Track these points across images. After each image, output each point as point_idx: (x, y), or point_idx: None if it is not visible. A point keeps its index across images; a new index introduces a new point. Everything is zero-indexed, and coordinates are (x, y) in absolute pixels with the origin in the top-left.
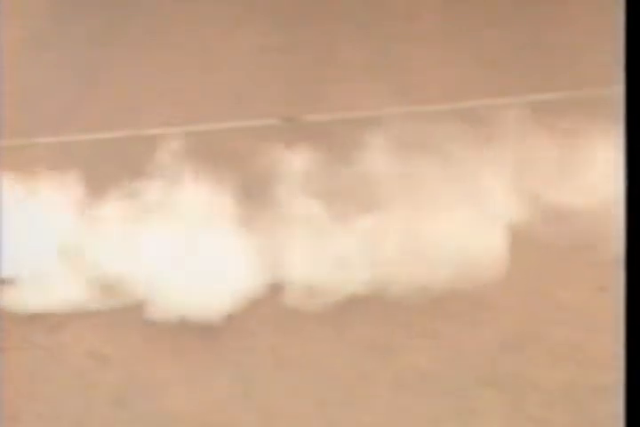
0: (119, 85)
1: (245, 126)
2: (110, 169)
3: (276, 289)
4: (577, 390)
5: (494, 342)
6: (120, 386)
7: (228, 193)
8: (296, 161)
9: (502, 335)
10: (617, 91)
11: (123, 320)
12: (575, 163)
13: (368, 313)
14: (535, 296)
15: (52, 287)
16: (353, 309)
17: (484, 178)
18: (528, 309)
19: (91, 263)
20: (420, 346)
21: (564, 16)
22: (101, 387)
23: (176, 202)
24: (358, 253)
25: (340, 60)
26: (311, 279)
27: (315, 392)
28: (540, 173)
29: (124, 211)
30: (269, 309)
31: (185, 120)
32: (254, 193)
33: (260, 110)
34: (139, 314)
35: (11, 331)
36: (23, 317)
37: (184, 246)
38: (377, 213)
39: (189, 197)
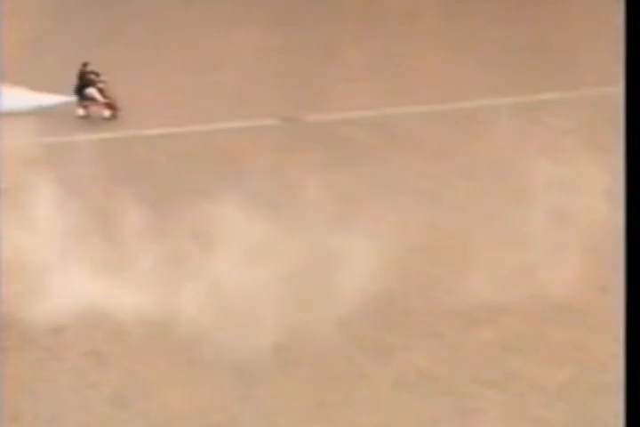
0: (119, 85)
1: (245, 126)
2: (110, 168)
3: (276, 290)
4: (577, 390)
5: (494, 342)
6: (119, 386)
7: (229, 193)
8: (296, 161)
9: (502, 335)
10: (617, 91)
11: (122, 321)
12: (575, 163)
13: (368, 314)
14: (535, 296)
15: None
16: (353, 309)
17: (483, 177)
18: (528, 309)
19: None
20: (420, 346)
21: (564, 16)
22: (101, 387)
23: (177, 201)
24: (358, 252)
25: (340, 60)
26: (312, 281)
27: (315, 392)
28: (539, 173)
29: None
30: (270, 309)
31: (185, 120)
32: (255, 192)
33: (260, 110)
34: (137, 315)
35: (11, 331)
36: (23, 317)
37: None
38: (377, 213)
39: (189, 195)
